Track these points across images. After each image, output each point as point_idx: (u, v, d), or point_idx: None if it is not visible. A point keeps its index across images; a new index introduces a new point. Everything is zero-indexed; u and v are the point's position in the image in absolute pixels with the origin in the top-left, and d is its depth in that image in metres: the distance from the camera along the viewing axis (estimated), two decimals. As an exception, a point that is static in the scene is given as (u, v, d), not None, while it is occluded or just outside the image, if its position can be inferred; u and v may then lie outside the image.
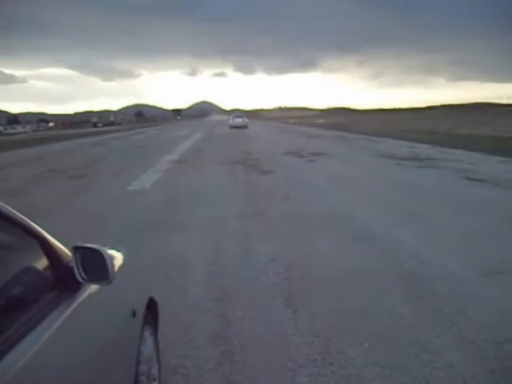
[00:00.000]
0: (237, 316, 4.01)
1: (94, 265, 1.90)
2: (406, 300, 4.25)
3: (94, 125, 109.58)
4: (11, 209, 1.67)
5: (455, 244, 5.92)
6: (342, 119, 78.88)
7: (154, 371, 2.67)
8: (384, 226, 6.97)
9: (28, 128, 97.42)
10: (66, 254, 1.90)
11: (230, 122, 50.39)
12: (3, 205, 1.63)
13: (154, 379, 2.66)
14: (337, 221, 7.40)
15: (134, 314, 2.34)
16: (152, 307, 2.75)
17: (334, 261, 5.41)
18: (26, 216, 1.76)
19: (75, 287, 1.89)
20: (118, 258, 2.40)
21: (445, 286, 4.52)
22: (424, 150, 19.19)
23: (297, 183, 11.57)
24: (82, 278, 1.89)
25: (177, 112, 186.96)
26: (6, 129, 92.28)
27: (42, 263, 1.83)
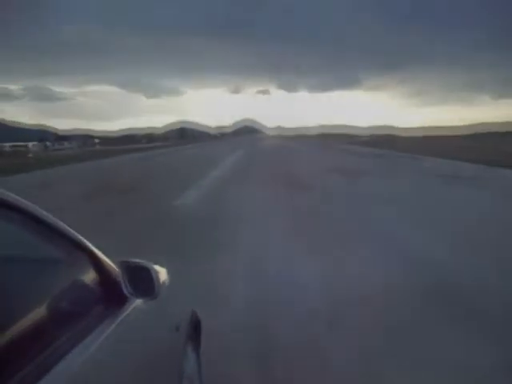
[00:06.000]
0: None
1: (141, 280, 1.91)
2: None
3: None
4: (61, 222, 1.70)
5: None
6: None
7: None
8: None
9: (74, 144, 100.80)
10: (114, 269, 1.92)
11: None
12: (54, 218, 1.66)
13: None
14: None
15: (177, 329, 2.34)
16: (195, 322, 2.75)
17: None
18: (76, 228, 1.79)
19: (122, 301, 1.90)
20: (162, 273, 2.42)
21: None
22: (467, 166, 18.83)
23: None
24: (129, 293, 1.90)
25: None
26: (53, 145, 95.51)
27: (90, 277, 1.85)
